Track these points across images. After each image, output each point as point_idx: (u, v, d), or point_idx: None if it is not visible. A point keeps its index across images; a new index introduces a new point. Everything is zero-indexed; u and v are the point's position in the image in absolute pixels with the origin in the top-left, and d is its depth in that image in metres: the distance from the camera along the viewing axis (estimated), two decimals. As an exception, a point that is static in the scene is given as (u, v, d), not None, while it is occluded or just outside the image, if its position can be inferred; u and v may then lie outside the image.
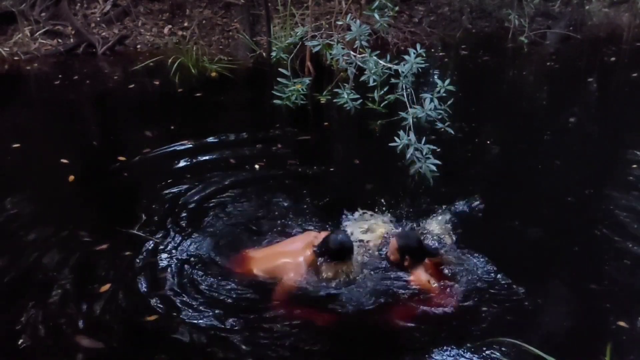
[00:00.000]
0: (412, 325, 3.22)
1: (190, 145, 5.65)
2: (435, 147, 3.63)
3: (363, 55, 4.05)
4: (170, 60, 8.10)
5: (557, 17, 10.74)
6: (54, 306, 3.40)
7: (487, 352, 2.93)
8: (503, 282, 3.47)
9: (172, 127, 6.11)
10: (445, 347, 3.09)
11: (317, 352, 3.07)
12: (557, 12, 10.86)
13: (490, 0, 10.95)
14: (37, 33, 9.35)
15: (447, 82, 3.83)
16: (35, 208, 4.50)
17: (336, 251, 3.50)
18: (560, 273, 3.61)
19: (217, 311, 3.30)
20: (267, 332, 3.13)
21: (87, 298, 3.45)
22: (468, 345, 3.02)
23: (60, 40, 9.45)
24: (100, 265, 3.76)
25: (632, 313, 3.23)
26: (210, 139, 5.84)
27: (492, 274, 3.52)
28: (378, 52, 4.20)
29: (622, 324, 3.16)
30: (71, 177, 4.93)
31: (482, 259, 3.67)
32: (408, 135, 3.70)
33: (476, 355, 2.95)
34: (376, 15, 4.33)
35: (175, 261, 3.77)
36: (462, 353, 3.00)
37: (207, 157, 5.40)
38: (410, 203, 4.24)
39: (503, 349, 2.93)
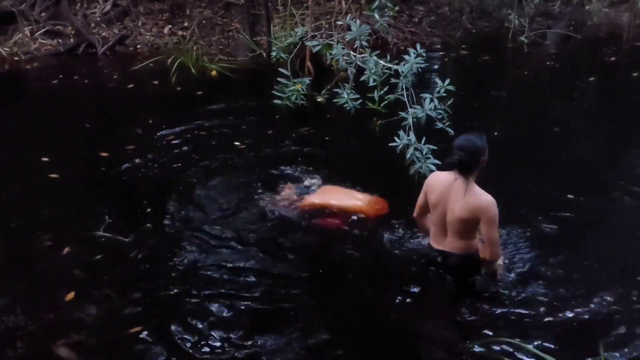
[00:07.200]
0: (412, 324, 3.22)
1: (178, 141, 5.60)
2: (434, 147, 3.64)
3: (363, 55, 4.06)
4: (170, 60, 8.11)
5: (557, 17, 10.75)
6: (32, 313, 3.22)
7: (487, 352, 2.93)
8: (502, 282, 3.46)
9: (165, 126, 6.02)
10: (445, 347, 3.08)
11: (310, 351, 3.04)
12: (557, 12, 10.87)
13: (490, 0, 10.97)
14: (37, 33, 9.37)
15: (447, 82, 3.85)
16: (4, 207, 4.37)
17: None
18: (560, 273, 3.60)
19: (208, 317, 3.18)
20: (259, 338, 3.05)
21: (67, 306, 3.28)
22: (468, 345, 3.01)
23: (60, 40, 9.46)
24: (74, 270, 3.59)
25: (631, 314, 3.23)
26: (204, 135, 5.81)
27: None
28: (378, 52, 4.20)
29: (621, 324, 3.16)
30: (54, 175, 4.86)
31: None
32: (408, 135, 3.71)
33: (476, 355, 2.94)
34: (376, 15, 4.34)
35: (159, 264, 3.64)
36: (462, 353, 2.99)
37: (200, 155, 5.34)
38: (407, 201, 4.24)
39: (503, 348, 2.92)
